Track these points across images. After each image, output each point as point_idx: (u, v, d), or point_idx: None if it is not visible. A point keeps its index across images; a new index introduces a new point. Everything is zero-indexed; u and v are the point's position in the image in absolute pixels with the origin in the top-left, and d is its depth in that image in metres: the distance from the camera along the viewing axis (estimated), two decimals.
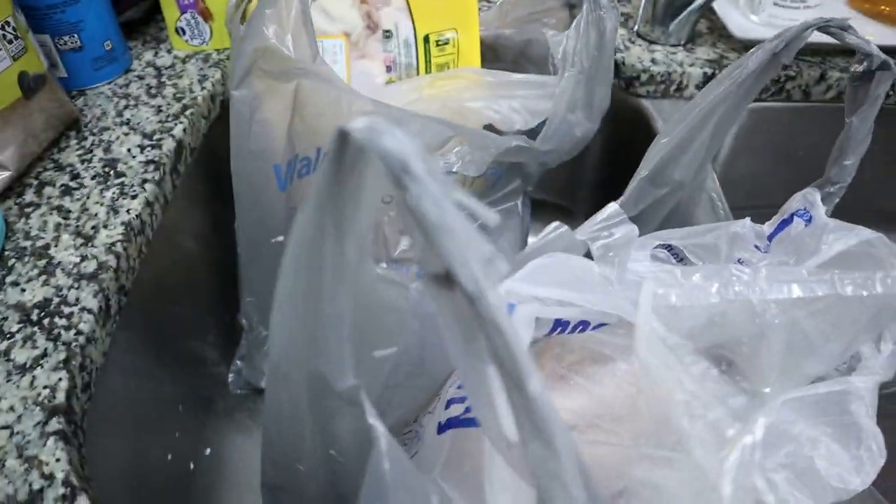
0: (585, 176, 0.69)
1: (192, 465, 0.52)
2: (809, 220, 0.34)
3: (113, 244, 0.42)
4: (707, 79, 0.60)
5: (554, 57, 0.53)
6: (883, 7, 0.64)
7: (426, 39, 0.57)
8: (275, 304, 0.23)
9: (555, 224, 0.32)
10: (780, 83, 0.60)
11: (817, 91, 0.61)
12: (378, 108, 0.42)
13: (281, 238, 0.48)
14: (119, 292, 0.42)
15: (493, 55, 0.63)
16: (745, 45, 0.62)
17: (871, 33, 0.63)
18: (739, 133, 0.63)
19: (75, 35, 0.52)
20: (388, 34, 0.57)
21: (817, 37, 0.61)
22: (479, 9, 0.60)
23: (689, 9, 0.59)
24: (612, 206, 0.34)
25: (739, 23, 0.62)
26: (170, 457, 0.48)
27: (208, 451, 0.55)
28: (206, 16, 0.57)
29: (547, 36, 0.53)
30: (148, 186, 0.46)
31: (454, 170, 0.45)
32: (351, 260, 0.21)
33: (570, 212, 0.73)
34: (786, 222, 0.35)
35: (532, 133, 0.53)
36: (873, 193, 0.68)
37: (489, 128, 0.55)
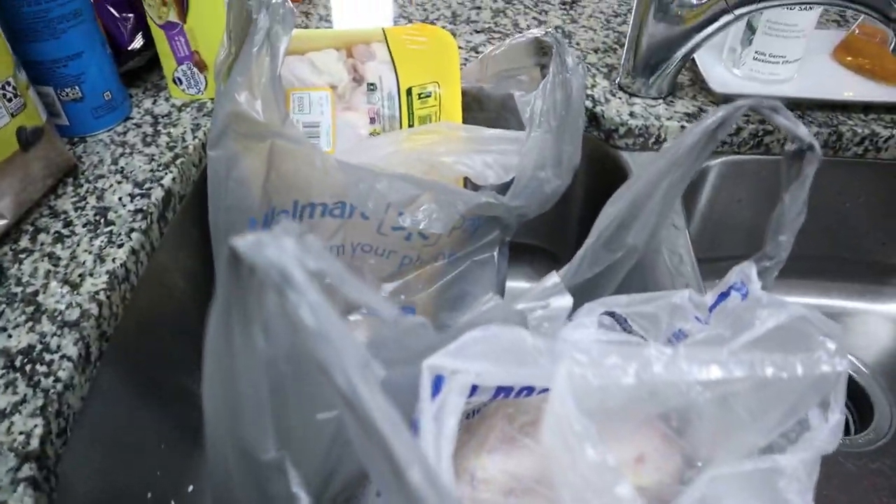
0: (571, 222, 0.70)
1: (173, 503, 0.54)
2: (745, 294, 0.35)
3: (96, 292, 0.44)
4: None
5: (523, 116, 0.55)
6: (865, 62, 0.64)
7: (409, 92, 0.60)
8: (203, 383, 0.25)
9: (489, 295, 0.34)
10: (758, 137, 0.62)
11: None
12: (343, 167, 0.45)
13: None
14: (101, 339, 0.44)
15: (478, 105, 0.65)
16: (725, 98, 0.63)
17: (854, 88, 0.64)
18: (720, 183, 0.64)
19: (76, 87, 0.55)
20: (372, 87, 0.60)
21: (792, 91, 0.63)
22: (463, 62, 0.62)
23: (668, 63, 0.60)
24: (553, 277, 0.36)
25: (720, 76, 0.63)
26: (150, 495, 0.51)
27: (191, 488, 0.57)
28: (202, 66, 0.60)
29: (515, 97, 0.55)
30: (134, 235, 0.49)
31: (421, 227, 0.47)
32: (259, 345, 0.23)
33: (556, 257, 0.75)
34: (724, 295, 0.36)
35: (505, 187, 0.54)
36: (863, 244, 0.69)
37: (466, 182, 0.57)
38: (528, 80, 0.58)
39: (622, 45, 0.73)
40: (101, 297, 0.44)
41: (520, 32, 0.74)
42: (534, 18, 0.77)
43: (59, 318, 0.43)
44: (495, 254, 0.59)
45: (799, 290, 0.74)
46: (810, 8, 0.59)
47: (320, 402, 0.32)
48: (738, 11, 0.54)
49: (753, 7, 0.54)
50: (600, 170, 0.62)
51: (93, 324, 0.43)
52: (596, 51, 0.71)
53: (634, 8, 0.60)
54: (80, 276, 0.46)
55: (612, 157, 0.63)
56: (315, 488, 0.34)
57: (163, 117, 0.61)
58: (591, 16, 0.78)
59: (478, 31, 0.74)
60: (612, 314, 0.38)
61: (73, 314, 0.43)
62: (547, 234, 0.74)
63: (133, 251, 0.48)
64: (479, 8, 0.79)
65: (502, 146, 0.54)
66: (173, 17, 0.57)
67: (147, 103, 0.62)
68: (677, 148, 0.36)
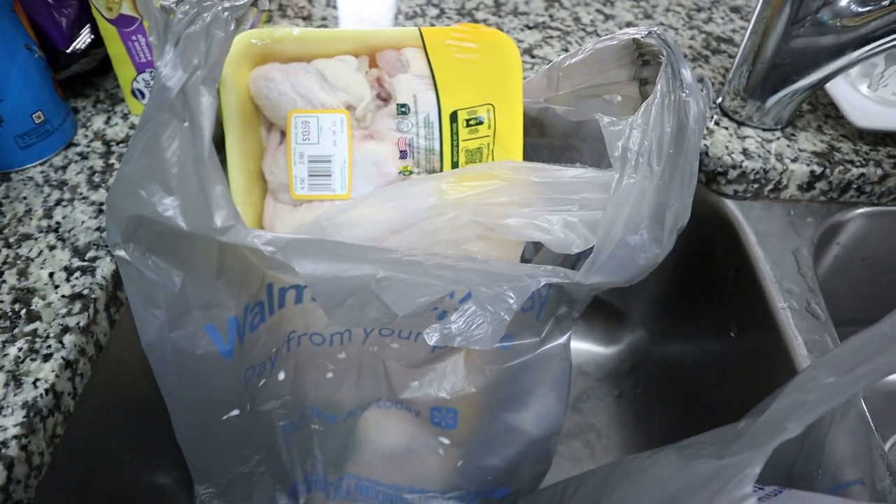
0: (649, 277, 0.56)
1: None
2: None
3: (4, 443, 0.29)
4: (813, 178, 0.46)
5: (611, 153, 0.39)
6: None
7: (453, 117, 0.44)
8: None
9: None
10: None
11: None
12: (341, 248, 0.30)
13: (236, 412, 0.36)
14: None
15: (538, 130, 0.50)
16: (861, 133, 0.48)
17: None
18: (848, 239, 0.50)
19: None
20: (403, 109, 0.44)
21: None
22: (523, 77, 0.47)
23: (800, 84, 0.45)
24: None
25: (855, 102, 0.48)
26: None
27: None
28: None
29: (602, 124, 0.39)
30: (68, 339, 0.34)
31: (457, 343, 0.32)
32: None
33: (622, 314, 0.60)
34: None
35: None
36: None
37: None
38: (621, 101, 0.43)
39: (713, 51, 0.57)
40: (12, 449, 0.29)
41: (581, 27, 0.59)
42: (598, 11, 0.61)
43: None
44: (564, 340, 0.44)
45: None
46: None
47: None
48: None
49: None
50: (697, 222, 0.48)
51: None
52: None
53: (757, 10, 0.45)
54: None
55: (714, 206, 0.48)
56: None
57: (118, 143, 0.45)
58: (667, 9, 0.63)
59: (529, 27, 0.58)
60: None
61: None
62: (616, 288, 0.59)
63: (67, 364, 0.33)
64: None
65: (589, 194, 0.39)
66: (128, 9, 0.41)
67: (98, 122, 0.46)
68: None
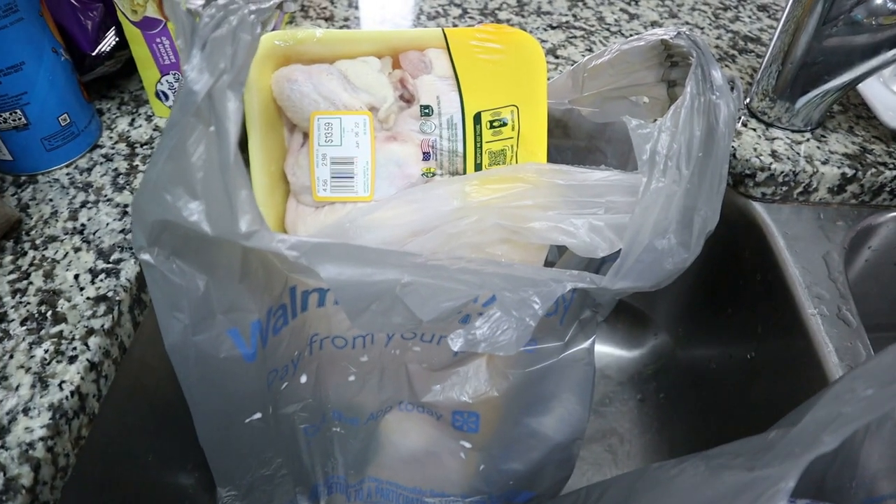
0: (675, 282, 0.55)
1: None
2: None
3: (31, 445, 0.30)
4: (845, 181, 0.45)
5: (639, 156, 0.39)
6: None
7: (477, 119, 0.44)
8: None
9: None
10: None
11: None
12: (365, 252, 0.30)
13: (258, 415, 0.36)
14: None
15: (562, 132, 0.49)
16: (895, 134, 0.47)
17: None
18: (881, 246, 0.49)
19: (18, 111, 0.39)
20: (427, 111, 0.44)
21: None
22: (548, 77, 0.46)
23: (831, 85, 0.44)
24: None
25: (888, 102, 0.47)
26: None
27: None
28: None
29: (629, 127, 0.38)
30: (93, 341, 0.34)
31: (481, 349, 0.31)
32: None
33: (645, 318, 0.60)
34: None
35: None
36: None
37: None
38: (648, 103, 0.42)
39: (740, 51, 0.56)
40: (39, 450, 0.30)
41: (605, 27, 0.58)
42: (622, 10, 0.60)
43: None
44: (588, 344, 0.43)
45: None
46: None
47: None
48: None
49: None
50: (723, 225, 0.47)
51: (25, 499, 0.28)
52: None
53: (787, 8, 0.44)
54: (9, 413, 0.31)
55: (741, 209, 0.47)
56: None
57: (142, 146, 0.45)
58: (693, 8, 0.62)
59: (553, 27, 0.58)
60: None
61: None
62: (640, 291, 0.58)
63: (91, 366, 0.33)
64: None
65: (616, 197, 0.38)
66: (153, 11, 0.41)
67: (122, 124, 0.47)
68: None
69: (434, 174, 0.44)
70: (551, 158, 0.46)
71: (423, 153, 0.44)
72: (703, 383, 0.54)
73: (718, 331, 0.52)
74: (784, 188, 0.46)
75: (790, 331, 0.42)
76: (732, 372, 0.50)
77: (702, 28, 0.59)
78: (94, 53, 0.44)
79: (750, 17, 0.61)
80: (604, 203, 0.39)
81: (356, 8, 0.60)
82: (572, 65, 0.53)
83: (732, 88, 0.38)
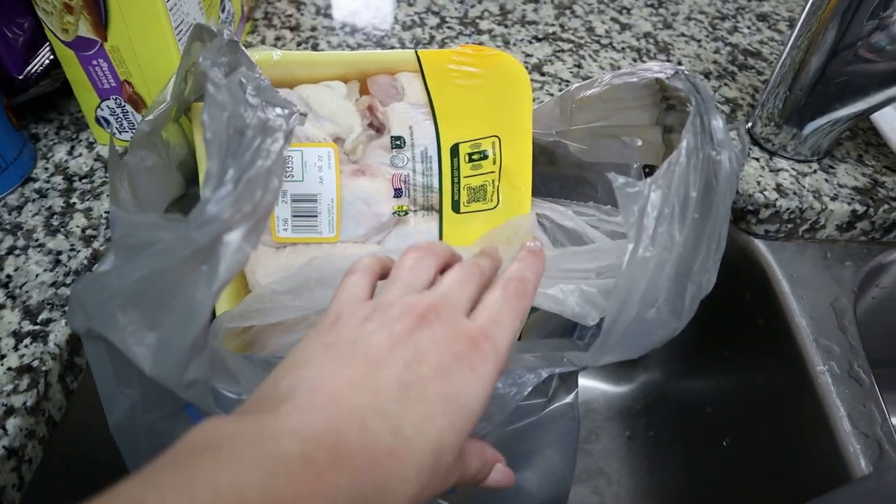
0: None
1: None
2: None
3: None
4: (854, 218, 0.42)
5: (625, 219, 0.33)
6: None
7: (454, 151, 0.40)
8: None
9: None
10: None
11: None
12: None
13: None
14: None
15: (548, 160, 0.45)
16: None
17: None
18: (890, 284, 0.45)
19: None
20: (398, 142, 0.40)
21: None
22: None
23: (841, 113, 0.40)
24: None
25: None
26: None
27: None
28: (138, 104, 0.40)
29: (615, 185, 0.33)
30: (12, 424, 0.29)
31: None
32: None
33: (636, 362, 0.56)
34: None
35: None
36: None
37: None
38: (642, 146, 0.38)
39: (740, 67, 0.52)
40: None
41: (595, 39, 0.54)
42: (613, 20, 0.56)
43: None
44: (571, 399, 0.40)
45: None
46: None
47: None
48: None
49: None
50: (722, 263, 0.43)
51: None
52: (707, 75, 0.51)
53: (798, 25, 0.40)
54: None
55: (742, 246, 0.44)
56: None
57: (81, 179, 0.40)
58: (689, 18, 0.57)
59: (538, 39, 0.53)
60: None
61: None
62: None
63: (10, 453, 0.29)
64: (536, 1, 0.57)
65: (607, 262, 0.34)
66: (86, 30, 0.36)
67: (60, 152, 0.42)
68: None
69: (406, 212, 0.40)
70: (536, 189, 0.42)
71: (395, 189, 0.40)
72: (695, 423, 0.51)
73: (714, 372, 0.48)
74: (789, 225, 0.42)
75: (797, 389, 0.38)
76: (727, 415, 0.47)
77: (698, 40, 0.54)
78: (21, 76, 0.39)
79: (749, 27, 0.57)
80: (594, 268, 0.35)
81: (324, 16, 0.55)
82: (559, 83, 0.49)
83: (735, 139, 0.33)
